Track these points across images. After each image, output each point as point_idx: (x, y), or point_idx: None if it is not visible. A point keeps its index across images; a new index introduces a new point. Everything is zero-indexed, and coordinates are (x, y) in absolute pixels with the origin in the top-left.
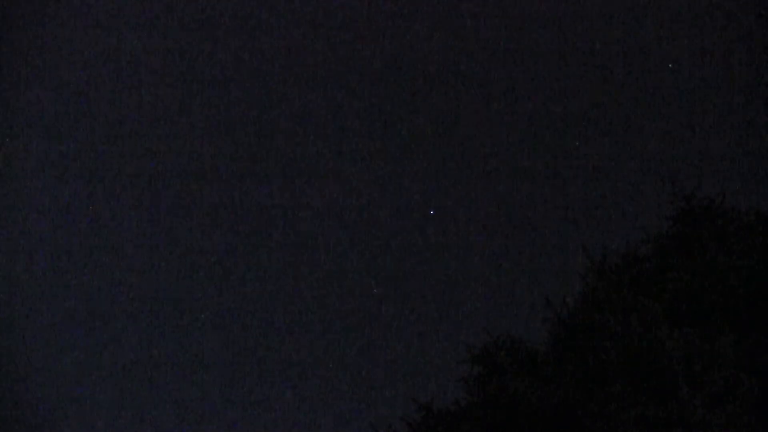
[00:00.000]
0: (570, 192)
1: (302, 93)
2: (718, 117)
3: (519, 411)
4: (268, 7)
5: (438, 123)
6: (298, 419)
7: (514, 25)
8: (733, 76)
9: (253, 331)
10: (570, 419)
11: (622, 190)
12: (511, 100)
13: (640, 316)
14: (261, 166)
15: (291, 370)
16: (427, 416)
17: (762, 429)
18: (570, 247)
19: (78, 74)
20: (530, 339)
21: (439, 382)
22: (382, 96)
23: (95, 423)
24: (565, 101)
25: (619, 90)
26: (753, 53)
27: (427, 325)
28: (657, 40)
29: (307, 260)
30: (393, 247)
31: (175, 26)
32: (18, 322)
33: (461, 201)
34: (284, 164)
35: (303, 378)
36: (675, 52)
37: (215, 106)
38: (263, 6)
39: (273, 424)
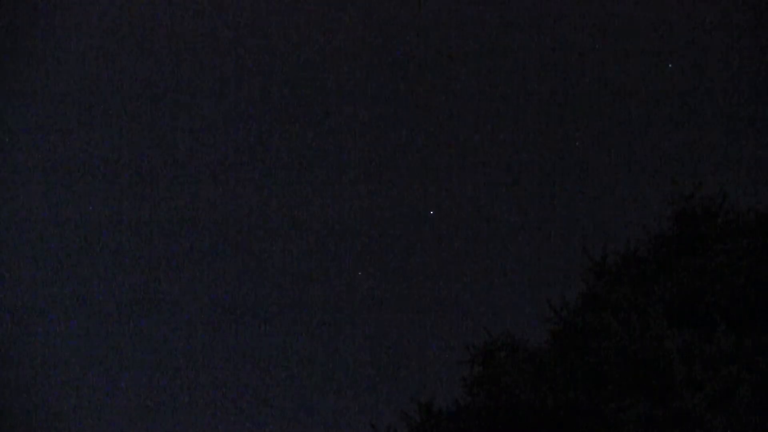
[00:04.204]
0: (570, 192)
1: (304, 93)
2: (718, 117)
3: (519, 411)
4: (268, 9)
5: (438, 124)
6: (299, 419)
7: (515, 26)
8: (733, 76)
9: (254, 332)
10: (570, 419)
11: (622, 190)
12: (512, 101)
13: (640, 316)
14: (261, 166)
15: (291, 370)
16: (427, 416)
17: (762, 429)
18: (570, 247)
19: (78, 75)
20: (530, 339)
21: (439, 382)
22: (383, 96)
23: (94, 423)
24: (565, 102)
25: (619, 90)
26: (753, 53)
27: (427, 325)
28: (657, 40)
29: (307, 260)
30: (393, 247)
31: (175, 28)
32: (17, 321)
33: (461, 201)
34: (284, 165)
35: (303, 378)
36: (675, 52)
37: (215, 107)
38: (263, 8)
39: (273, 424)
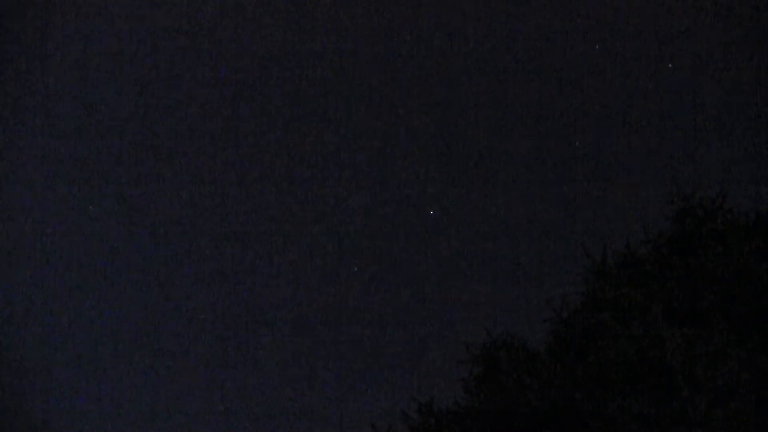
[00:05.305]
0: (570, 192)
1: (303, 93)
2: (718, 117)
3: (519, 411)
4: (267, 6)
5: (438, 123)
6: (298, 419)
7: (514, 24)
8: (733, 76)
9: (253, 332)
10: (570, 419)
11: (622, 190)
12: (511, 100)
13: (640, 316)
14: (261, 166)
15: (291, 370)
16: (427, 416)
17: (762, 429)
18: (570, 247)
19: (77, 75)
20: (530, 339)
21: (439, 382)
22: (383, 95)
23: (93, 424)
24: (565, 101)
25: (619, 90)
26: (753, 53)
27: (426, 325)
28: (657, 40)
29: (307, 260)
30: (393, 248)
31: (176, 28)
32: (16, 321)
33: (461, 201)
34: (284, 164)
35: (303, 378)
36: (675, 52)
37: (215, 106)
38: (261, 4)
39: (273, 424)
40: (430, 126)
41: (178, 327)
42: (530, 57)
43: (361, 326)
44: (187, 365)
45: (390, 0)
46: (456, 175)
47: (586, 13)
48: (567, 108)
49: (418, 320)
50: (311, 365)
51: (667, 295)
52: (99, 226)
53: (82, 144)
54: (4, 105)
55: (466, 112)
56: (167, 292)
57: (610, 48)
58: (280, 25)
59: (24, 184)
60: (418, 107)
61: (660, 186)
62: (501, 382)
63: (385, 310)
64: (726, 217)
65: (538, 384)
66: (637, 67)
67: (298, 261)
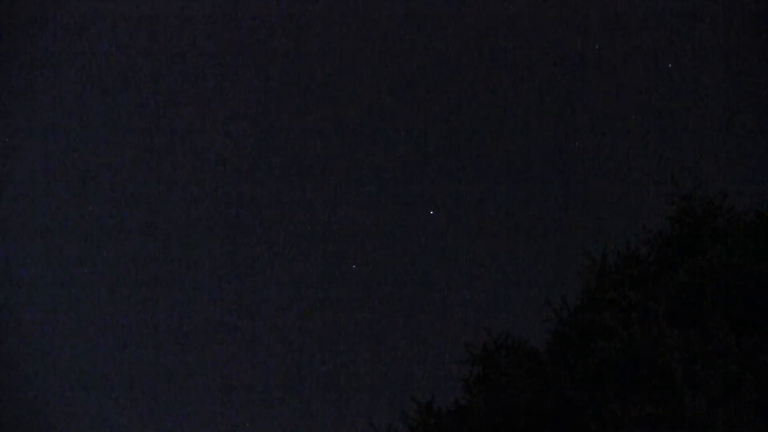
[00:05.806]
0: (570, 192)
1: (304, 93)
2: (718, 117)
3: (519, 411)
4: (272, 6)
5: (439, 123)
6: (298, 419)
7: (515, 25)
8: (733, 77)
9: (253, 332)
10: (570, 419)
11: (622, 190)
12: (511, 100)
13: (640, 316)
14: (261, 166)
15: (291, 370)
16: (427, 416)
17: (762, 429)
18: (570, 247)
19: (77, 75)
20: (530, 339)
21: (439, 382)
22: (384, 96)
23: (93, 424)
24: (564, 101)
25: (619, 90)
26: (753, 53)
27: (426, 324)
28: (657, 40)
29: (307, 260)
30: (393, 247)
31: (176, 27)
32: (16, 322)
33: (461, 201)
34: (284, 165)
35: (303, 378)
36: (675, 52)
37: (216, 105)
38: (268, 5)
39: (273, 424)
40: (430, 126)
41: (177, 326)
42: (530, 56)
43: (360, 325)
44: (186, 364)
45: (393, 3)
46: (456, 175)
47: (586, 12)
48: (567, 108)
49: (418, 320)
50: (311, 364)
51: (667, 295)
52: (99, 226)
53: (82, 144)
54: (4, 105)
55: (466, 111)
56: (167, 291)
57: (610, 47)
58: (281, 24)
59: (24, 184)
60: (418, 107)
61: (660, 186)
62: (501, 382)
63: (384, 310)
64: (726, 217)
65: (538, 384)
66: (637, 66)
67: (298, 259)
